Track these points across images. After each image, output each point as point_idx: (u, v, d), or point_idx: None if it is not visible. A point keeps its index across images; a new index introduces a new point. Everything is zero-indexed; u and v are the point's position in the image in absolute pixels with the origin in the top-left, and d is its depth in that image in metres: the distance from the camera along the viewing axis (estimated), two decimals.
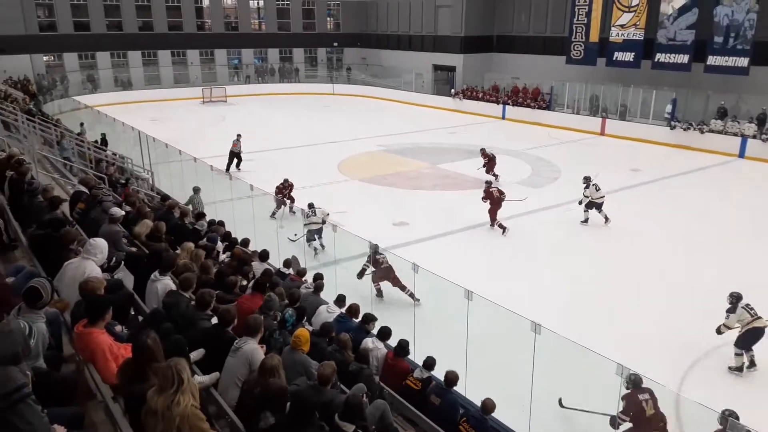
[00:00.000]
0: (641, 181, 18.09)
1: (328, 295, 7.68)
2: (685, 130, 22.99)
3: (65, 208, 7.80)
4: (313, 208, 12.46)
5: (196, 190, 13.27)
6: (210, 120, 27.83)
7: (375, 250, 9.96)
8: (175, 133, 21.99)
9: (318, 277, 7.84)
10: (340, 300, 7.27)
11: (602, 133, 25.87)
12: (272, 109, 32.82)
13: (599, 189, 13.92)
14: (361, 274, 9.99)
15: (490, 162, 17.71)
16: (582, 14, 27.54)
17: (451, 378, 5.81)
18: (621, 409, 6.15)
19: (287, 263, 9.00)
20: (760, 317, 8.01)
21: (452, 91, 33.26)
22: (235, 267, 7.60)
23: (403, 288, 9.77)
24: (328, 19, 42.64)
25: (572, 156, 21.88)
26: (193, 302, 5.26)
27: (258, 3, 39.80)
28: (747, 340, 8.05)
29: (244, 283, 7.20)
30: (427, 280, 7.74)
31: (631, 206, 15.65)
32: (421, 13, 36.35)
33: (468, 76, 33.78)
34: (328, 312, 6.96)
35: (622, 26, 26.06)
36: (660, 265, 11.70)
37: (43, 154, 13.47)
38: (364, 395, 4.55)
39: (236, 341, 4.65)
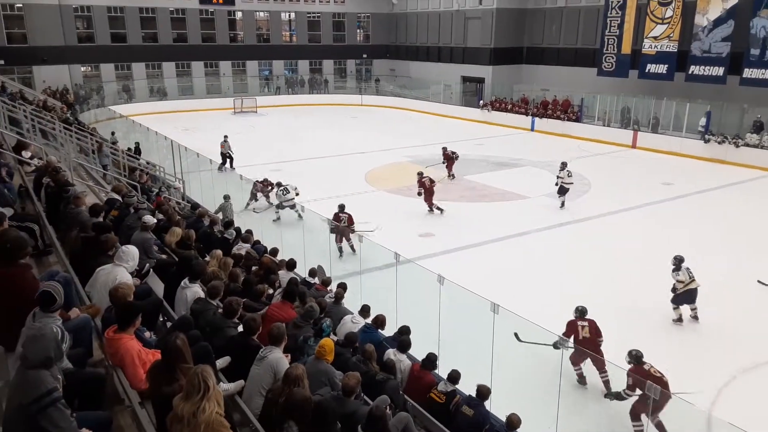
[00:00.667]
0: (673, 195, 17.73)
1: (353, 305, 7.68)
2: (719, 143, 22.49)
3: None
4: (283, 186, 14.46)
5: (226, 197, 13.52)
6: (240, 130, 28.20)
7: (341, 209, 12.47)
8: (207, 143, 22.36)
9: (341, 286, 7.86)
10: (364, 310, 7.27)
11: (634, 146, 25.47)
12: (301, 119, 33.17)
13: (571, 175, 15.84)
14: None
15: (449, 161, 19.33)
16: (614, 26, 27.26)
17: (484, 391, 5.77)
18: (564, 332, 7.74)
19: (312, 272, 9.04)
20: (694, 280, 9.56)
21: (480, 102, 33.19)
22: (261, 276, 7.67)
23: (348, 239, 12.30)
24: (358, 31, 43.05)
25: (603, 169, 21.59)
26: (220, 310, 5.32)
27: (289, 15, 40.42)
28: (682, 299, 9.65)
29: (271, 291, 7.26)
30: (453, 292, 7.67)
31: (662, 220, 15.36)
32: (451, 24, 36.44)
33: (497, 87, 33.68)
34: (353, 322, 6.97)
35: (655, 38, 25.71)
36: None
37: (79, 162, 13.84)
38: (388, 407, 4.53)
39: (261, 350, 4.68)
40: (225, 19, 37.94)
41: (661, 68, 25.65)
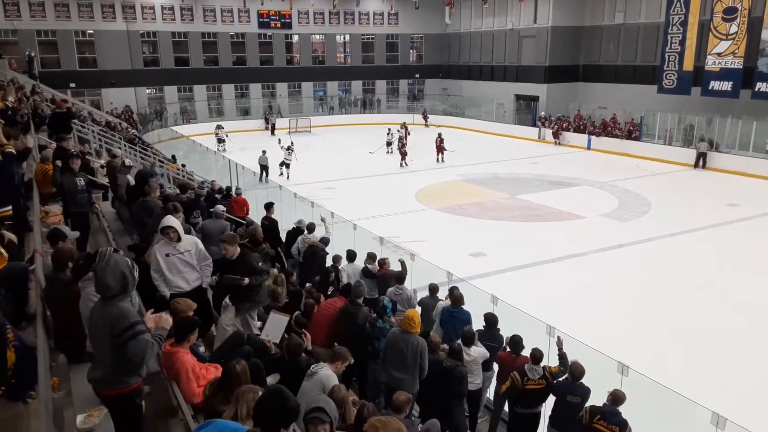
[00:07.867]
0: (739, 217, 16.90)
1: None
2: None
3: None
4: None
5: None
6: (295, 149, 28.75)
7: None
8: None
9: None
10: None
11: (696, 166, 24.49)
12: (353, 138, 33.51)
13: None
14: None
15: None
16: (675, 42, 26.44)
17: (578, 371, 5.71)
18: None
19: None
20: None
21: (543, 114, 32.69)
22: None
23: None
24: (411, 51, 43.41)
25: (663, 188, 20.83)
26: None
27: (344, 38, 41.19)
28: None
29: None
30: (507, 313, 7.49)
31: (727, 242, 14.65)
32: (505, 43, 36.28)
33: (552, 105, 33.19)
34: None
35: (719, 54, 24.76)
36: (757, 307, 10.81)
37: None
38: None
39: (312, 366, 4.68)
40: (282, 42, 38.96)
41: (726, 85, 24.62)
